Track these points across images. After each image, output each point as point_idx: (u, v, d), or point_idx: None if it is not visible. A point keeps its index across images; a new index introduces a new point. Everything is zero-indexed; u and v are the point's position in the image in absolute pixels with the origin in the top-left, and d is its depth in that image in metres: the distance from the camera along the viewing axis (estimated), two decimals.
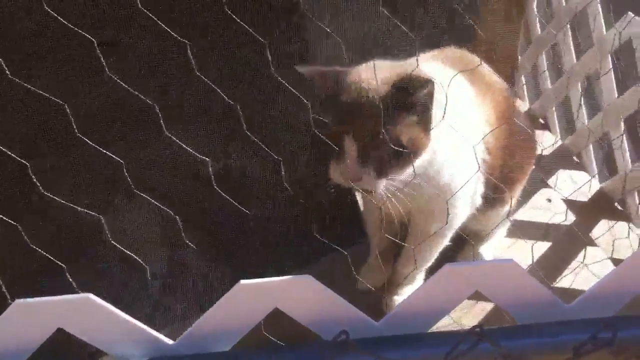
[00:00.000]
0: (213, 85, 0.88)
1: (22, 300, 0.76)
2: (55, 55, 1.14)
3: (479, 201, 1.28)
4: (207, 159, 0.90)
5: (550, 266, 1.47)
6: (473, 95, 1.23)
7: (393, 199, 1.10)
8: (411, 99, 1.04)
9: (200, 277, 1.45)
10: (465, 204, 1.24)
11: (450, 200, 1.14)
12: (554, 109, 1.97)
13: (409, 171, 1.07)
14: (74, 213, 0.97)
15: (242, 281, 0.83)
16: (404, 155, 1.04)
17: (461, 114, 1.13)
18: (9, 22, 1.08)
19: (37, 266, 1.12)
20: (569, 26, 1.81)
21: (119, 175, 1.36)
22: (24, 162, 0.82)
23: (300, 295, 0.86)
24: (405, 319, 0.90)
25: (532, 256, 1.41)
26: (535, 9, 1.96)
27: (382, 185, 1.06)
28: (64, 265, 0.89)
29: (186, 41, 0.83)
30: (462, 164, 1.16)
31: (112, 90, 1.10)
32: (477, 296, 0.95)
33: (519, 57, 2.05)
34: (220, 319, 0.85)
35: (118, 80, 0.81)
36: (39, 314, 0.78)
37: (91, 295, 0.78)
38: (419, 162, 1.08)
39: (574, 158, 1.88)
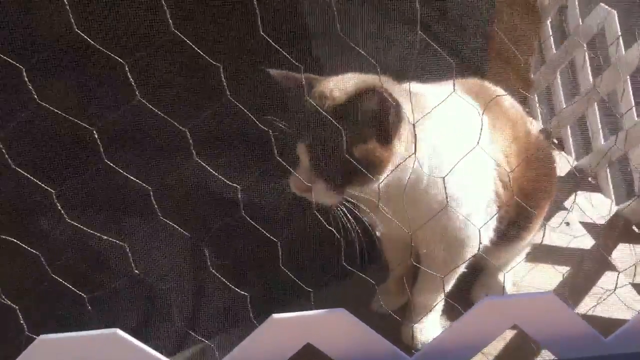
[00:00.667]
0: (247, 112, 0.85)
1: (45, 336, 0.73)
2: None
3: (491, 233, 1.25)
4: (237, 185, 0.87)
5: (570, 291, 1.44)
6: (491, 126, 1.20)
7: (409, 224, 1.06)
8: (365, 112, 0.99)
9: (221, 301, 1.41)
10: (477, 233, 1.21)
11: (465, 228, 1.12)
12: (568, 128, 1.95)
13: (373, 187, 1.02)
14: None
15: (274, 315, 0.80)
16: (364, 169, 0.99)
17: (475, 143, 1.09)
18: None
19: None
20: (585, 45, 1.79)
21: (138, 197, 1.33)
22: (50, 189, 0.79)
23: (333, 329, 0.83)
24: (440, 354, 0.87)
25: (564, 281, 1.39)
26: (549, 27, 1.94)
27: (336, 199, 1.02)
28: (84, 295, 0.86)
29: (219, 64, 0.80)
30: (467, 192, 1.13)
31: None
32: None
33: (532, 76, 2.03)
34: (250, 354, 0.81)
35: (150, 106, 0.78)
36: (63, 351, 0.74)
37: (118, 331, 0.75)
38: (391, 180, 1.03)
39: (590, 179, 1.85)
